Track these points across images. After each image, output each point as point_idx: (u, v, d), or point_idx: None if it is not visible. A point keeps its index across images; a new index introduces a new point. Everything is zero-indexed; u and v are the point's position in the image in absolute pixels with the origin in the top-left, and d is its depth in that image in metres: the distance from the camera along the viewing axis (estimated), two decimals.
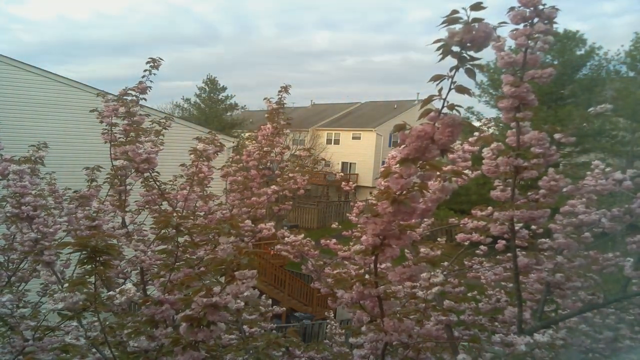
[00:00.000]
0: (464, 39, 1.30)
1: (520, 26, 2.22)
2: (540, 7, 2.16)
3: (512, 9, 2.19)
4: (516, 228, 2.83)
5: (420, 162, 1.51)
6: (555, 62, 20.21)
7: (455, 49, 1.33)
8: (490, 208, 2.92)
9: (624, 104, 18.57)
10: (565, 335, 2.81)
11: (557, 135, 2.66)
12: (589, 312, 3.08)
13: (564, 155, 19.10)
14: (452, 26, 1.32)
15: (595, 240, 2.91)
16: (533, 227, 3.18)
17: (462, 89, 1.41)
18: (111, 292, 1.98)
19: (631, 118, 19.49)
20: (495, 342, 2.18)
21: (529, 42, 2.21)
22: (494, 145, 2.66)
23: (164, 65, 4.10)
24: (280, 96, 4.67)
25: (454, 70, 1.38)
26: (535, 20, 2.19)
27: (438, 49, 1.35)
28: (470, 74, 1.37)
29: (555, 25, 2.21)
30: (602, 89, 20.57)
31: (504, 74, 2.31)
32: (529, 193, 2.53)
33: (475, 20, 1.32)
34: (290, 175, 4.36)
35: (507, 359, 2.03)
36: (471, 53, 1.34)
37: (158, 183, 3.78)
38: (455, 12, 1.34)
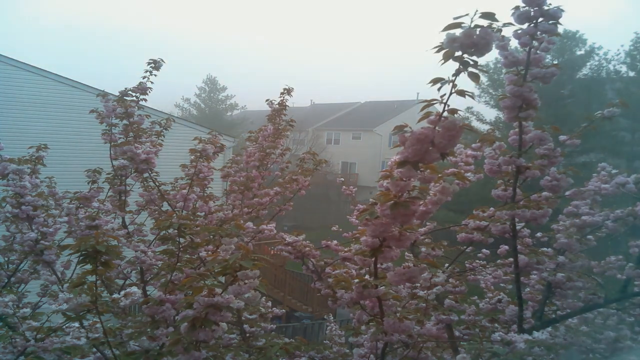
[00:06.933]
0: (466, 44, 1.29)
1: (525, 26, 2.21)
2: (545, 7, 2.15)
3: (516, 8, 2.17)
4: (518, 228, 2.82)
5: (421, 165, 1.50)
6: (555, 62, 20.13)
7: (458, 53, 1.33)
8: (492, 209, 2.92)
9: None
10: (565, 335, 2.81)
11: (562, 137, 2.65)
12: (589, 312, 3.08)
13: (564, 155, 19.03)
14: (454, 31, 1.31)
15: (598, 242, 2.91)
16: (538, 234, 3.20)
17: (462, 93, 1.40)
18: (115, 295, 1.98)
19: (631, 118, 19.46)
20: (495, 340, 2.17)
21: (533, 42, 2.20)
22: (496, 144, 2.65)
23: None
24: (282, 98, 4.67)
25: (455, 74, 1.37)
26: (540, 20, 2.18)
27: (438, 51, 1.34)
28: (474, 77, 1.35)
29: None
30: (603, 89, 20.52)
31: (506, 74, 2.30)
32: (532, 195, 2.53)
33: (478, 25, 1.31)
34: (294, 177, 4.36)
35: (507, 357, 2.02)
36: (474, 57, 1.34)
37: (157, 183, 3.77)
38: (458, 17, 1.33)
